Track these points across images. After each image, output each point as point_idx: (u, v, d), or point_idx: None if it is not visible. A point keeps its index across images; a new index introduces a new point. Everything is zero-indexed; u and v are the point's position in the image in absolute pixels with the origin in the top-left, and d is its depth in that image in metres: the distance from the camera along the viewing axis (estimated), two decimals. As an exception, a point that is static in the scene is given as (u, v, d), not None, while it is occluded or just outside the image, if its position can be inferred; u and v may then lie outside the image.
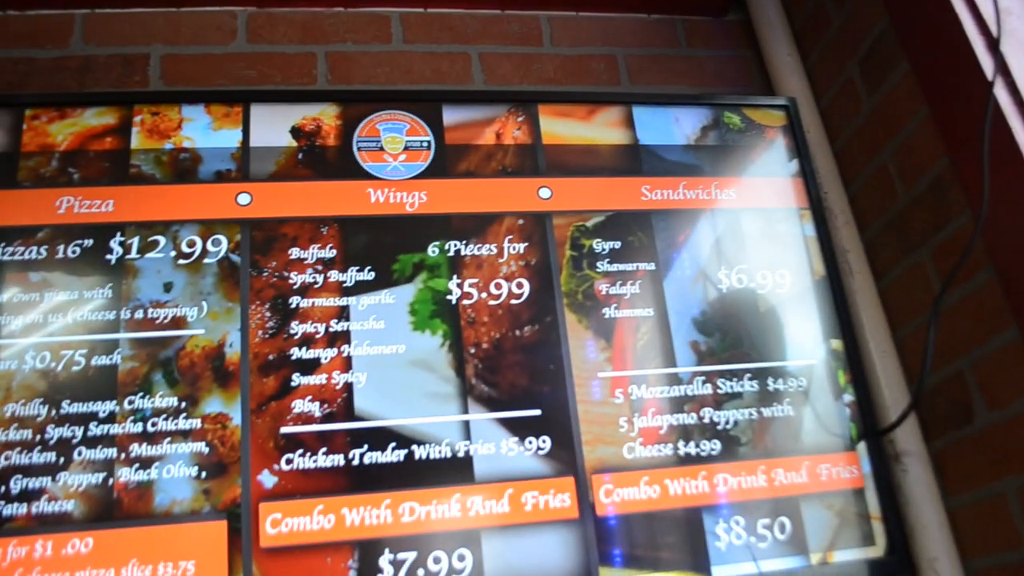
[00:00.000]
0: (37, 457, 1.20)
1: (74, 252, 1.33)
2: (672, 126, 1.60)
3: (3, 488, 1.18)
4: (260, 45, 1.65)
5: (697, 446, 1.37)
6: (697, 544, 1.31)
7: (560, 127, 1.55)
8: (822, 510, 1.36)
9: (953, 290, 1.35)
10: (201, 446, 1.24)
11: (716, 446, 1.37)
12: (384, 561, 1.21)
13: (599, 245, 1.47)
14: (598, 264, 1.46)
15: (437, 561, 1.23)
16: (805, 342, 1.48)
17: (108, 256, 1.33)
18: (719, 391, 1.41)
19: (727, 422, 1.39)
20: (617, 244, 1.48)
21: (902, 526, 1.38)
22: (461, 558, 1.23)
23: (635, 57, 1.79)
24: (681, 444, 1.36)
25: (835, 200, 1.62)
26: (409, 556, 1.22)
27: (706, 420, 1.39)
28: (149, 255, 1.34)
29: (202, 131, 1.44)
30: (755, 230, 1.54)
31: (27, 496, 1.18)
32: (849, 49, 1.63)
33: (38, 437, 1.21)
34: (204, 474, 1.23)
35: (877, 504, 1.39)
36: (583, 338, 1.40)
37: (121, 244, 1.34)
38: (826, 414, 1.43)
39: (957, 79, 1.34)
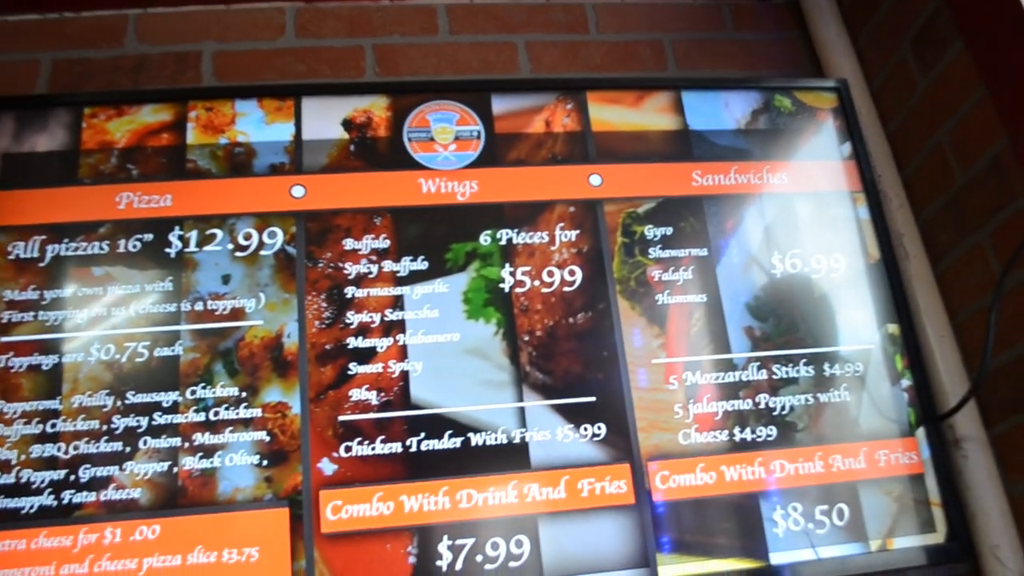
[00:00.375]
0: (104, 446, 1.23)
1: (135, 246, 1.35)
2: (722, 111, 1.59)
3: (73, 476, 1.21)
4: (308, 40, 1.67)
5: (753, 432, 1.36)
6: (754, 530, 1.30)
7: (609, 114, 1.55)
8: (881, 496, 1.35)
9: (1014, 272, 1.33)
10: (262, 435, 1.26)
11: (772, 432, 1.36)
12: (443, 547, 1.23)
13: (651, 231, 1.47)
14: (650, 250, 1.45)
15: (495, 547, 1.24)
16: (861, 327, 1.46)
17: (167, 249, 1.36)
18: (774, 377, 1.40)
19: (783, 408, 1.38)
20: (669, 230, 1.47)
21: (963, 512, 1.36)
22: (519, 544, 1.24)
23: (682, 42, 1.78)
24: (737, 430, 1.36)
25: (889, 183, 1.59)
26: (467, 542, 1.23)
27: (762, 406, 1.38)
28: (207, 248, 1.36)
29: (255, 125, 1.46)
30: (808, 214, 1.53)
31: (96, 484, 1.22)
32: (900, 28, 1.60)
33: (105, 427, 1.24)
34: (265, 462, 1.25)
35: (937, 490, 1.37)
36: (636, 324, 1.40)
37: (180, 238, 1.36)
38: (883, 399, 1.42)
39: (1015, 57, 1.32)
